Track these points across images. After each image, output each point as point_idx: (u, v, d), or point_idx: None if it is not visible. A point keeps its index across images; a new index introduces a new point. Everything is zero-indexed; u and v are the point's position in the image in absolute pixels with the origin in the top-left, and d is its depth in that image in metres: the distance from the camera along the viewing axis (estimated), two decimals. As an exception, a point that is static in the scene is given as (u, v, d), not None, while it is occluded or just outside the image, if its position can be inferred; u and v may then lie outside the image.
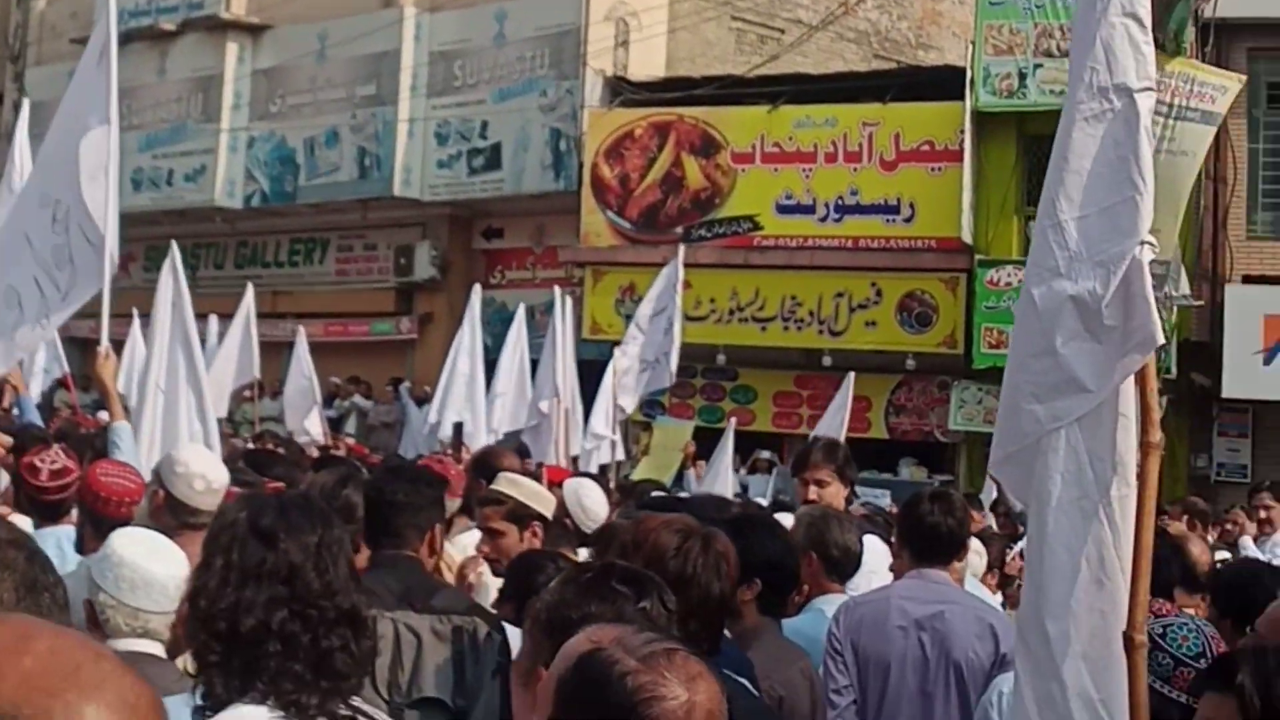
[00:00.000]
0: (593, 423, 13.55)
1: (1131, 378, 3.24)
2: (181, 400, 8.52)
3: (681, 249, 16.10)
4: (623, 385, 14.21)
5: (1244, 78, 17.83)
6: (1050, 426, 3.25)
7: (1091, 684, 3.26)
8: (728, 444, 13.40)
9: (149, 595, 3.64)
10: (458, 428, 14.84)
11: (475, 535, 6.26)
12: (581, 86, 22.44)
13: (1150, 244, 3.20)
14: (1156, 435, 3.25)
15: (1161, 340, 3.19)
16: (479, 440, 13.90)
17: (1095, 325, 3.19)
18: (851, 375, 13.78)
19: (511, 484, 5.81)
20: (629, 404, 14.61)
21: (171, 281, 9.36)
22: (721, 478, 12.87)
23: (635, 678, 1.94)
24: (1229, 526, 12.21)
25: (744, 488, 15.89)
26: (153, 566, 3.67)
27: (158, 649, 3.67)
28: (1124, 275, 3.17)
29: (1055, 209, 3.29)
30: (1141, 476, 3.21)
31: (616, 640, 2.01)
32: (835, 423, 13.27)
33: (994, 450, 3.53)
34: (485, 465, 7.28)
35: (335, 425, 20.52)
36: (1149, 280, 3.17)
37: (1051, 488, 3.29)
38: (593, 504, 6.55)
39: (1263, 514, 11.65)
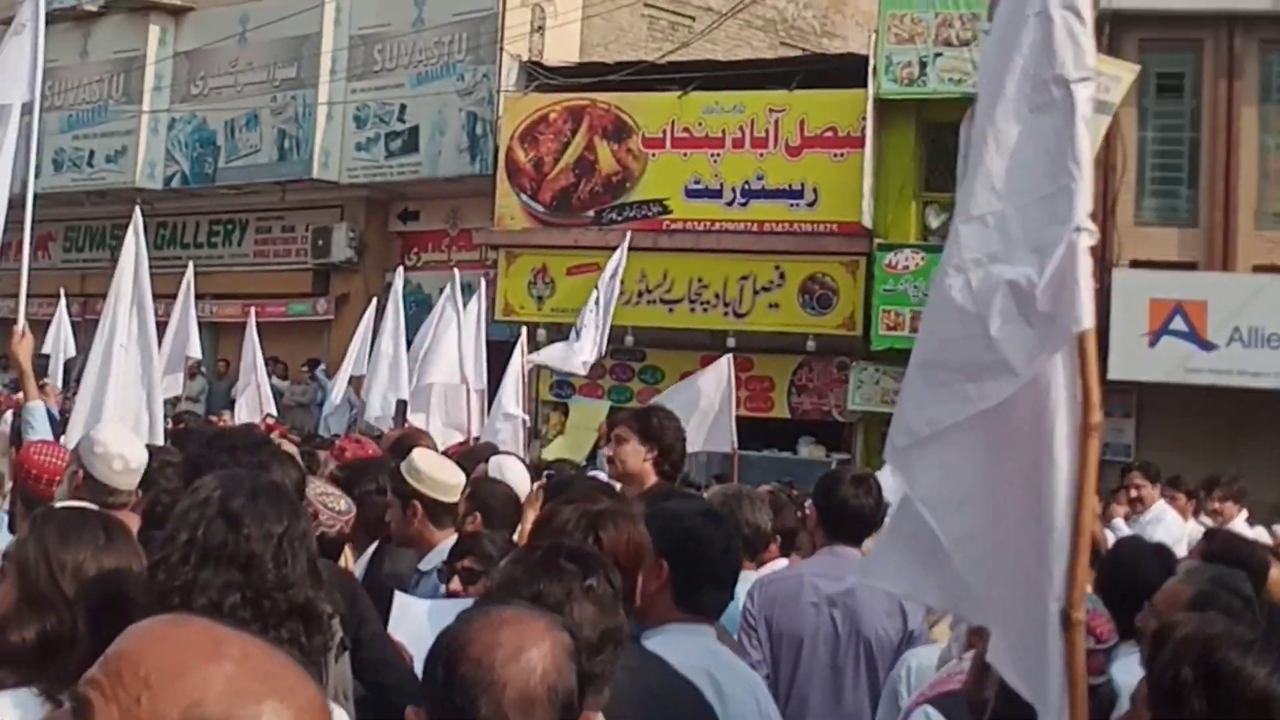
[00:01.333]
0: (503, 403, 13.65)
1: (1073, 359, 3.20)
2: (143, 359, 8.67)
3: (629, 236, 16.40)
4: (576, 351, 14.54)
5: (1138, 68, 18.32)
6: (979, 406, 3.27)
7: (1025, 663, 3.27)
8: None
9: None
10: (400, 405, 14.94)
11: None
12: (498, 71, 22.64)
13: (1089, 230, 3.18)
14: (1097, 417, 3.18)
15: (1085, 325, 3.14)
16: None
17: (1028, 310, 3.20)
18: (728, 357, 13.94)
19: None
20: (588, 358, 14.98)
21: (134, 246, 9.44)
22: None
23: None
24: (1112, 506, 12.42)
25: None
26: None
27: None
28: (1058, 262, 3.18)
29: (995, 196, 3.33)
30: (1082, 458, 3.16)
31: None
32: (718, 402, 13.32)
33: (902, 432, 3.48)
34: (404, 449, 7.32)
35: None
36: (1083, 266, 3.16)
37: (986, 469, 3.33)
38: (516, 480, 6.52)
39: (1134, 493, 11.83)
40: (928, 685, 4.36)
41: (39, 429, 7.01)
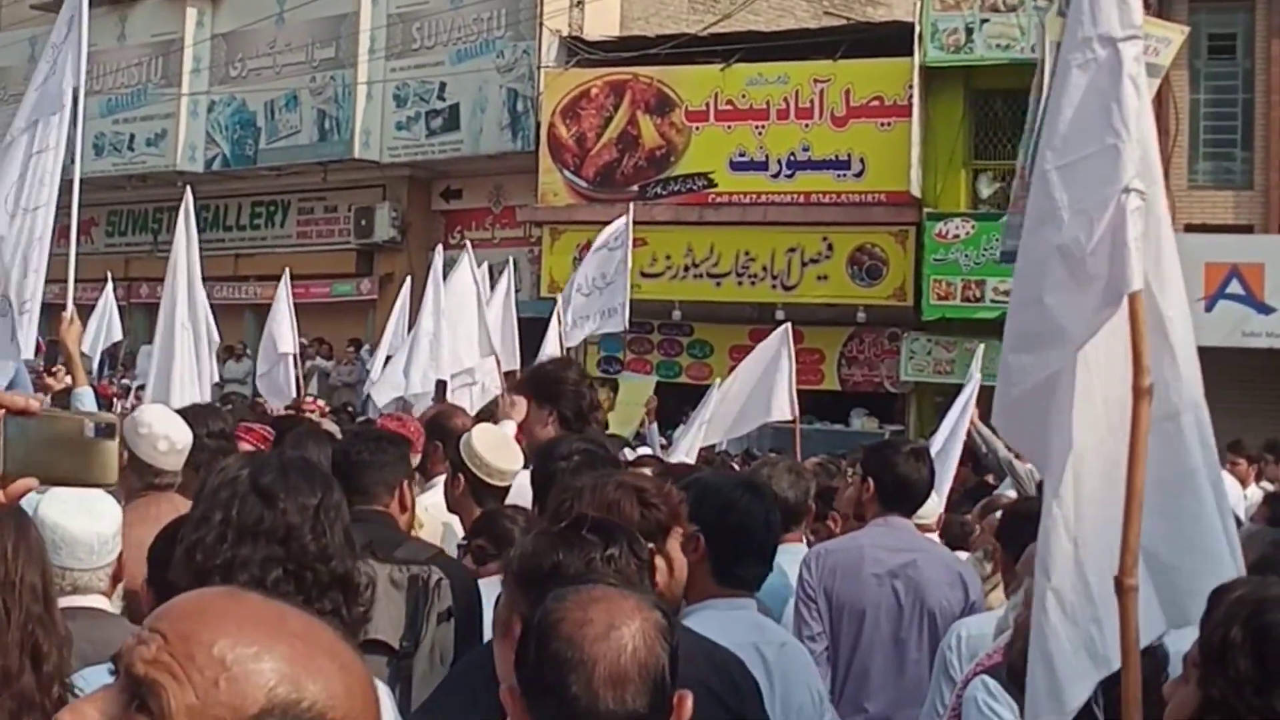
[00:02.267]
0: None
1: (1125, 321, 3.18)
2: (204, 338, 8.71)
3: (632, 207, 16.28)
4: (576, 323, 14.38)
5: (1187, 29, 18.08)
6: (1037, 375, 3.27)
7: (1097, 627, 3.25)
8: (710, 401, 13.49)
9: (71, 553, 3.60)
10: (440, 385, 14.89)
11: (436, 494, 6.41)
12: (538, 47, 22.58)
13: (1139, 191, 3.16)
14: (1146, 380, 3.16)
15: (1135, 288, 3.12)
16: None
17: (1080, 274, 3.18)
18: (787, 326, 13.87)
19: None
20: (575, 339, 14.80)
21: (184, 228, 9.48)
22: (697, 434, 13.03)
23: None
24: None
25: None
26: (71, 525, 3.61)
27: (98, 601, 3.65)
28: (1108, 223, 3.16)
29: (1043, 158, 3.30)
30: (1134, 421, 3.15)
31: None
32: (777, 373, 13.25)
33: (996, 400, 3.46)
34: (439, 426, 7.32)
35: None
36: (1133, 228, 3.13)
37: (1063, 435, 3.28)
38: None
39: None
40: (984, 655, 4.32)
41: None
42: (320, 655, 1.37)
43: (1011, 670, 3.71)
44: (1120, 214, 3.14)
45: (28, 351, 8.05)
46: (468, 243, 15.54)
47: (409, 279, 18.25)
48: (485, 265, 15.74)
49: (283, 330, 16.13)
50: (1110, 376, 3.30)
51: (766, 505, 4.16)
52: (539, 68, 22.52)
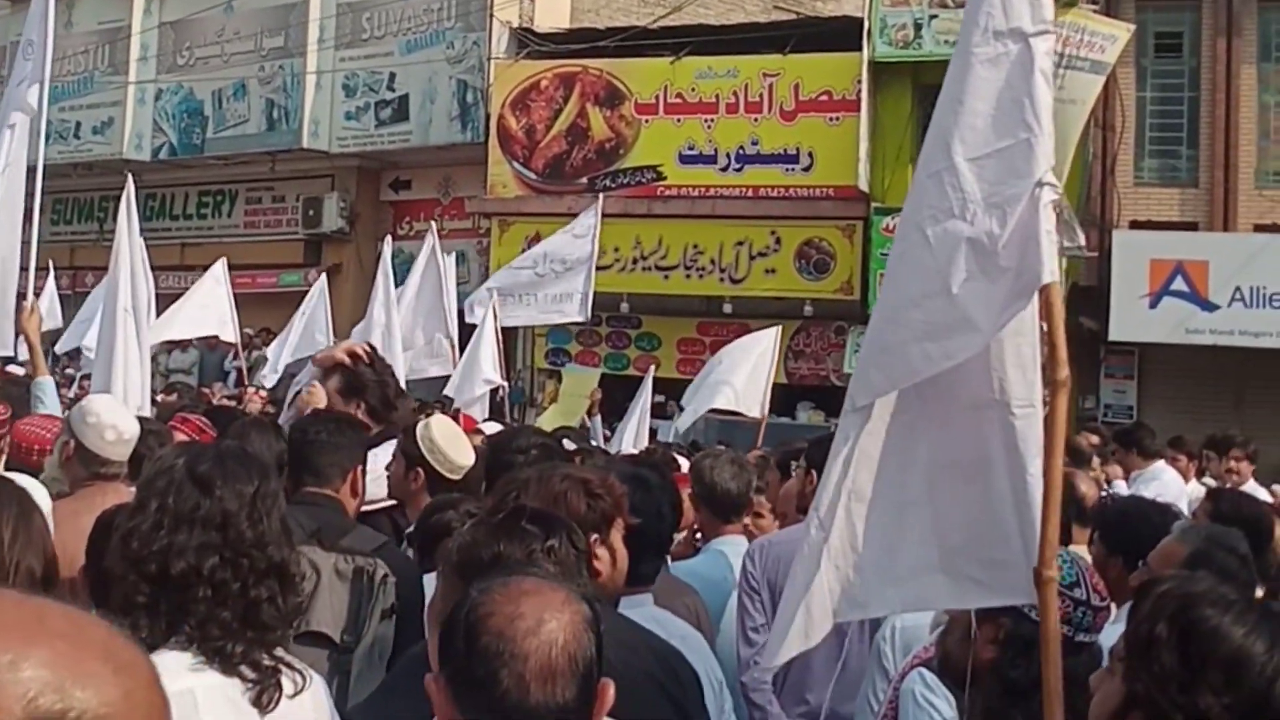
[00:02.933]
0: (482, 368, 13.55)
1: (1036, 314, 3.25)
2: (144, 324, 8.63)
3: (601, 199, 16.27)
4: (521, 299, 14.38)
5: (1133, 27, 18.20)
6: (942, 365, 3.26)
7: (858, 575, 3.34)
8: (646, 390, 13.53)
9: None
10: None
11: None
12: (488, 38, 22.47)
13: (1051, 185, 3.20)
14: (1063, 373, 3.23)
15: (1048, 280, 3.15)
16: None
17: (990, 266, 3.20)
18: (777, 329, 14.03)
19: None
20: (517, 319, 14.79)
21: (126, 217, 9.39)
22: (640, 425, 13.06)
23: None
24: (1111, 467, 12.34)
25: (653, 432, 16.11)
26: None
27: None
28: (1020, 217, 3.18)
29: (950, 151, 3.30)
30: (1050, 414, 3.22)
31: None
32: (757, 371, 13.42)
33: (863, 391, 3.46)
34: None
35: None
36: (1045, 222, 3.16)
37: (949, 426, 3.34)
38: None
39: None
40: (920, 648, 4.33)
41: (49, 404, 6.96)
42: (90, 658, 1.20)
43: (944, 662, 3.75)
44: (1033, 207, 3.18)
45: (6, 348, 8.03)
46: (432, 226, 15.52)
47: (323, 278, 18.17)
48: (454, 254, 15.73)
49: (220, 317, 15.96)
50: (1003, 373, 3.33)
51: (658, 498, 4.20)
52: (489, 59, 22.42)
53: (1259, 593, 4.28)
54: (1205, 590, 2.53)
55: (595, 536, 3.34)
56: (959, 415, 3.36)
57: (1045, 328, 3.29)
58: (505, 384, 13.95)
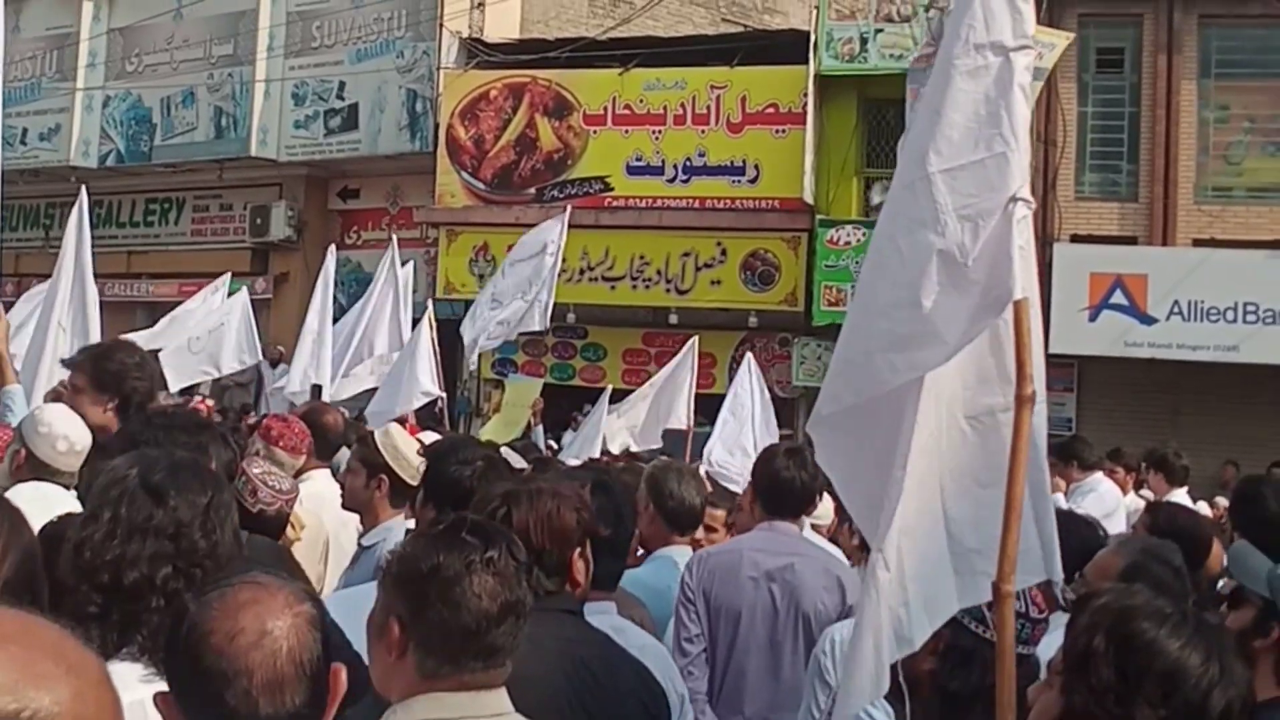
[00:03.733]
0: (419, 379, 13.49)
1: (1009, 329, 3.22)
2: (80, 340, 8.51)
3: (569, 210, 16.28)
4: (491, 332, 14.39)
5: (1072, 35, 18.39)
6: (907, 376, 3.25)
7: (905, 610, 3.29)
8: (603, 405, 13.56)
9: None
10: (316, 389, 14.76)
11: (317, 486, 6.54)
12: (438, 48, 22.48)
13: (1026, 201, 3.19)
14: (1029, 388, 3.20)
15: (1019, 296, 3.14)
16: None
17: (960, 279, 3.18)
18: (695, 340, 14.15)
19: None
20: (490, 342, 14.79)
21: (76, 229, 9.29)
22: (594, 438, 13.09)
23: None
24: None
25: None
26: None
27: None
28: (993, 231, 3.16)
29: (926, 162, 3.27)
30: (1015, 429, 3.17)
31: None
32: (678, 382, 13.62)
33: (829, 400, 3.47)
34: (311, 424, 7.25)
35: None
36: (1018, 237, 3.16)
37: (907, 441, 3.29)
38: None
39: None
40: None
41: (17, 413, 6.81)
42: (42, 658, 1.24)
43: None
44: (1007, 222, 3.17)
45: None
46: (394, 239, 15.46)
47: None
48: (410, 264, 15.69)
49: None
50: (954, 379, 3.35)
51: (616, 502, 4.21)
52: (438, 68, 22.43)
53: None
54: (1142, 604, 2.53)
55: (578, 550, 3.44)
56: (949, 429, 3.36)
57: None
58: (443, 395, 13.91)
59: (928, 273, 3.20)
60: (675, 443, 13.78)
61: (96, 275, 9.20)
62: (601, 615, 3.89)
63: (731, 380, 20.13)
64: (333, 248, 16.98)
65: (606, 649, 3.50)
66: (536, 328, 14.69)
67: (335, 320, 15.12)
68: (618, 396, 19.51)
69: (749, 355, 11.95)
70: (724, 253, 20.27)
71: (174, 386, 13.93)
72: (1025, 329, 3.20)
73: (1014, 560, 3.14)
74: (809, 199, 19.67)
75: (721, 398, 19.77)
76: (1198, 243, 18.84)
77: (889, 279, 3.33)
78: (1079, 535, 5.13)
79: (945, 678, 3.46)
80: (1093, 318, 18.13)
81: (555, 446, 15.64)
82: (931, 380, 3.30)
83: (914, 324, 3.22)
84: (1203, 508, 12.33)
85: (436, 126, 22.31)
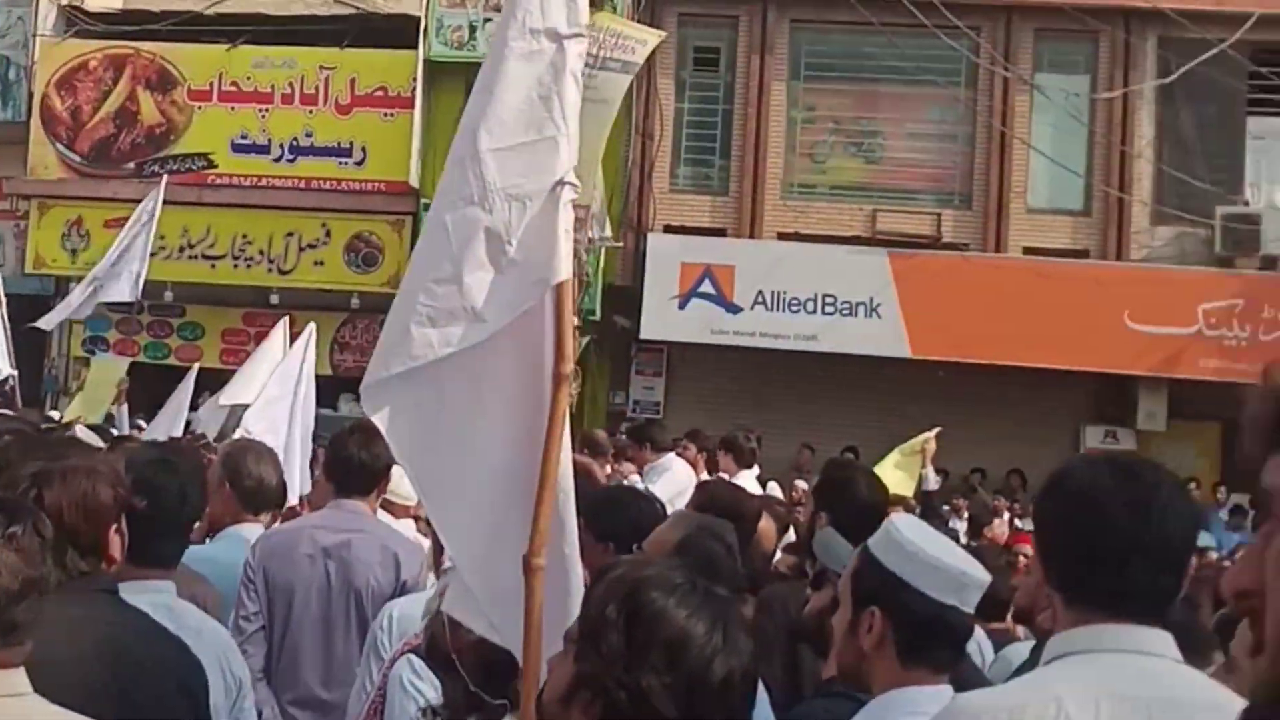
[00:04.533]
0: None
1: (549, 308, 3.25)
2: None
3: (164, 183, 15.82)
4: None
5: (664, 33, 18.96)
6: (441, 352, 3.25)
7: (490, 605, 3.35)
8: (188, 385, 13.15)
9: None
10: None
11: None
12: (34, 15, 21.55)
13: (572, 185, 3.24)
14: (567, 367, 3.24)
15: (561, 278, 3.19)
16: None
17: (501, 257, 3.21)
18: (287, 319, 13.84)
19: None
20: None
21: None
22: (176, 417, 12.71)
23: None
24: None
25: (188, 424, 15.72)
26: None
27: None
28: (539, 212, 3.21)
29: (476, 140, 3.29)
30: (552, 406, 3.20)
31: None
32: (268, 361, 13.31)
33: (370, 373, 3.41)
34: None
35: None
36: (563, 220, 3.21)
37: (461, 414, 3.33)
38: None
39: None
40: (412, 635, 4.42)
41: None
42: None
43: (430, 648, 3.82)
44: (553, 204, 3.23)
45: None
46: None
47: None
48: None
49: None
50: (522, 364, 3.36)
51: (182, 479, 4.14)
52: (34, 35, 21.49)
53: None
54: (654, 574, 2.57)
55: (115, 526, 3.37)
56: (498, 406, 3.38)
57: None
58: (14, 373, 13.30)
59: (472, 248, 3.25)
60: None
61: None
62: (154, 594, 3.81)
63: (331, 361, 20.13)
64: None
65: (141, 627, 3.44)
66: (127, 298, 14.28)
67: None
68: (209, 377, 19.22)
69: (311, 328, 11.77)
70: (328, 234, 20.16)
71: None
72: (567, 311, 3.27)
73: (544, 534, 3.20)
74: (415, 183, 19.75)
75: (321, 378, 19.78)
76: (782, 236, 19.76)
77: (435, 253, 3.36)
78: (637, 509, 5.22)
79: (488, 650, 3.50)
80: (682, 305, 18.78)
81: (143, 426, 15.16)
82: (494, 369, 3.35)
83: (452, 299, 3.26)
84: (773, 488, 12.93)
85: (30, 95, 21.37)
